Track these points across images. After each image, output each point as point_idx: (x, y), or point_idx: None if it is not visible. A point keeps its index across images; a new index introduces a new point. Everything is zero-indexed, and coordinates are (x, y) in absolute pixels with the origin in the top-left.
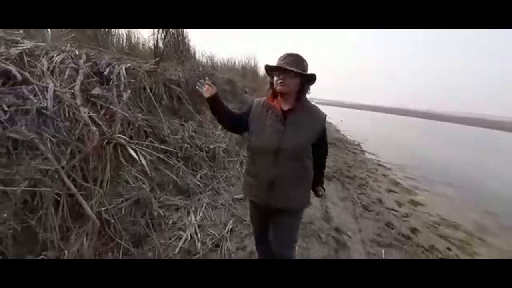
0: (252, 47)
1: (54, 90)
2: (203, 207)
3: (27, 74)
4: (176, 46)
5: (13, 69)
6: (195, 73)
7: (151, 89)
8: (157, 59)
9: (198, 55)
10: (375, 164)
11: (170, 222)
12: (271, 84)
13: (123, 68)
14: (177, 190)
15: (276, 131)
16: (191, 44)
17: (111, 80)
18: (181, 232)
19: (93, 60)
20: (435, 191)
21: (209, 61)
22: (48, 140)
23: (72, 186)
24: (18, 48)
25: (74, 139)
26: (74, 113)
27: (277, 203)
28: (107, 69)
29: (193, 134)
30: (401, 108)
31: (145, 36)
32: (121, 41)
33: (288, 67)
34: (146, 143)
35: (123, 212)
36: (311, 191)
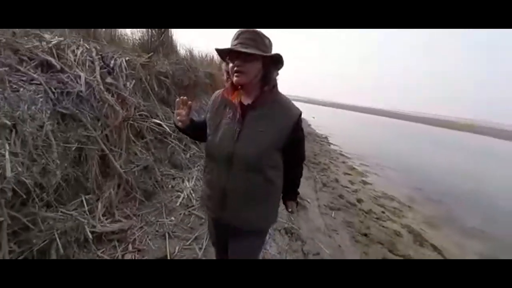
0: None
1: (85, 78)
2: (194, 178)
3: (61, 64)
4: (161, 40)
5: (53, 60)
6: (180, 66)
7: (145, 80)
8: (151, 54)
9: (179, 48)
10: (338, 153)
11: (170, 186)
12: (227, 72)
13: (124, 61)
14: (171, 165)
15: (230, 132)
16: (174, 37)
17: (115, 71)
18: (179, 193)
19: (100, 53)
20: (382, 174)
21: (188, 54)
22: (87, 115)
23: (105, 149)
24: (50, 42)
25: (102, 116)
26: (100, 96)
27: (230, 220)
28: (112, 61)
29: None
30: (370, 107)
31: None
32: (110, 34)
33: (244, 49)
34: (147, 124)
35: (136, 174)
36: (282, 205)
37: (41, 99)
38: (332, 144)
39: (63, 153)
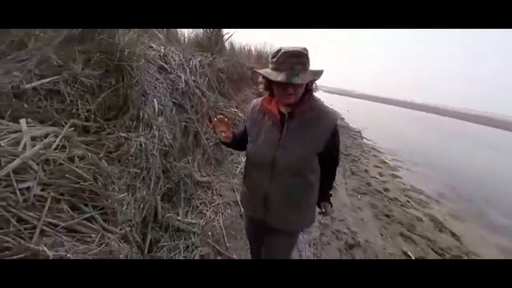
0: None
1: (184, 78)
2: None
3: (169, 68)
4: (219, 40)
5: (166, 65)
6: (230, 63)
7: (210, 76)
8: (214, 55)
9: (226, 44)
10: (370, 147)
11: (230, 159)
12: (267, 87)
13: (197, 61)
14: None
15: (272, 139)
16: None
17: (192, 70)
18: (237, 165)
19: (183, 57)
20: (414, 170)
21: (230, 47)
22: (188, 104)
23: (198, 128)
24: (160, 51)
25: (195, 105)
26: (194, 91)
27: (273, 223)
28: (191, 62)
29: (237, 108)
30: (407, 101)
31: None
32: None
33: (300, 81)
34: (214, 111)
35: (211, 147)
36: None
37: (167, 93)
38: (365, 138)
39: (179, 128)
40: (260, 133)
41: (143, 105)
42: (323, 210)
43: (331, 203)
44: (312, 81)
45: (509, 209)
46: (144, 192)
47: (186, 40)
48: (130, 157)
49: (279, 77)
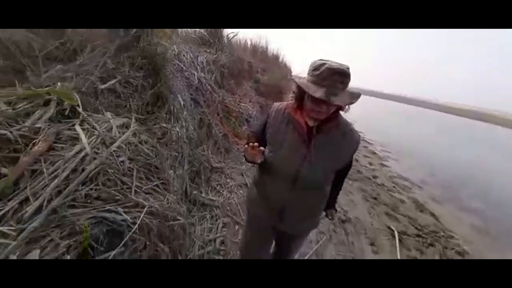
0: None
1: (197, 75)
2: None
3: (184, 66)
4: (218, 35)
5: (180, 63)
6: (232, 59)
7: (215, 72)
8: (219, 52)
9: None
10: (361, 139)
11: (237, 148)
12: (298, 98)
13: (204, 58)
14: (235, 135)
15: (297, 152)
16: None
17: (200, 67)
18: (243, 154)
19: (192, 54)
20: (401, 160)
21: (228, 42)
22: (201, 99)
23: (211, 119)
24: (175, 50)
25: (207, 99)
26: (205, 87)
27: (286, 229)
28: (198, 59)
29: (239, 103)
30: (393, 94)
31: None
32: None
33: (338, 102)
34: (221, 106)
35: (220, 137)
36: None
37: (185, 90)
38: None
39: (196, 121)
40: (284, 142)
41: (172, 101)
42: (330, 217)
43: (336, 209)
44: (348, 104)
45: (480, 193)
46: (180, 171)
47: (185, 35)
48: (172, 143)
49: (318, 93)
